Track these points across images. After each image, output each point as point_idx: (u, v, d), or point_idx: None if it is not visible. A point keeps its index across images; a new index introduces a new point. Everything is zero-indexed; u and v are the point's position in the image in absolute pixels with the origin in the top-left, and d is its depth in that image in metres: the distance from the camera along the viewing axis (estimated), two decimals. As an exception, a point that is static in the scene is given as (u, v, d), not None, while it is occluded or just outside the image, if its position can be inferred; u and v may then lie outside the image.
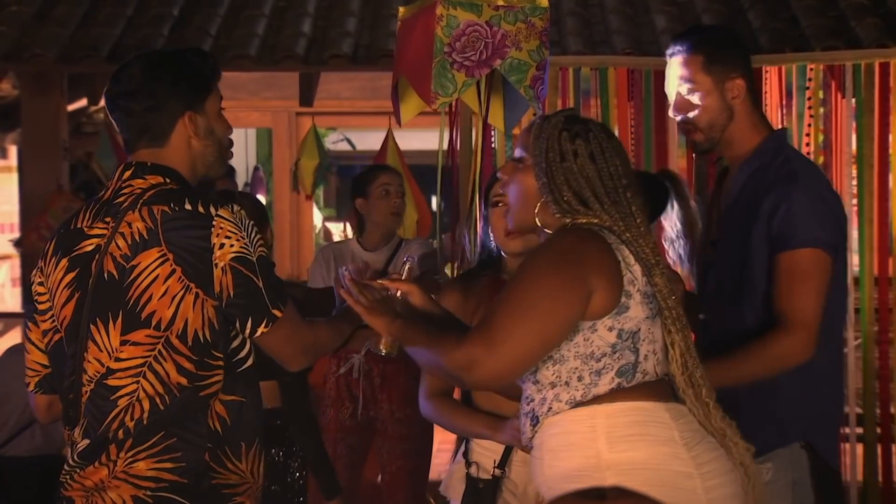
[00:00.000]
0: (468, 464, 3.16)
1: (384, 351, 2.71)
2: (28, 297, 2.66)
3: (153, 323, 2.43)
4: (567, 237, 2.47)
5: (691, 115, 3.04)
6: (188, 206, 2.47)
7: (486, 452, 3.14)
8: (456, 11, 3.57)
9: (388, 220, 4.90)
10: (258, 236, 2.53)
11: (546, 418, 2.47)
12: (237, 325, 2.50)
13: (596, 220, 2.49)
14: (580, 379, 2.44)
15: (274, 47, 6.76)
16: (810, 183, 2.95)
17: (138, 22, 6.98)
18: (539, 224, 2.55)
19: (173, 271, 2.43)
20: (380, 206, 4.86)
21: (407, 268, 2.80)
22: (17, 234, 8.12)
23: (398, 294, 2.68)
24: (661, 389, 2.49)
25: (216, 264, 2.44)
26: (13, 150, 11.18)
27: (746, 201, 2.97)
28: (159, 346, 2.43)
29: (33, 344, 2.65)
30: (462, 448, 3.24)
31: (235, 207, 2.52)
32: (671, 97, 3.10)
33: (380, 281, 2.70)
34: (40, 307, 2.60)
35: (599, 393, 2.44)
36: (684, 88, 3.04)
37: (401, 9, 3.93)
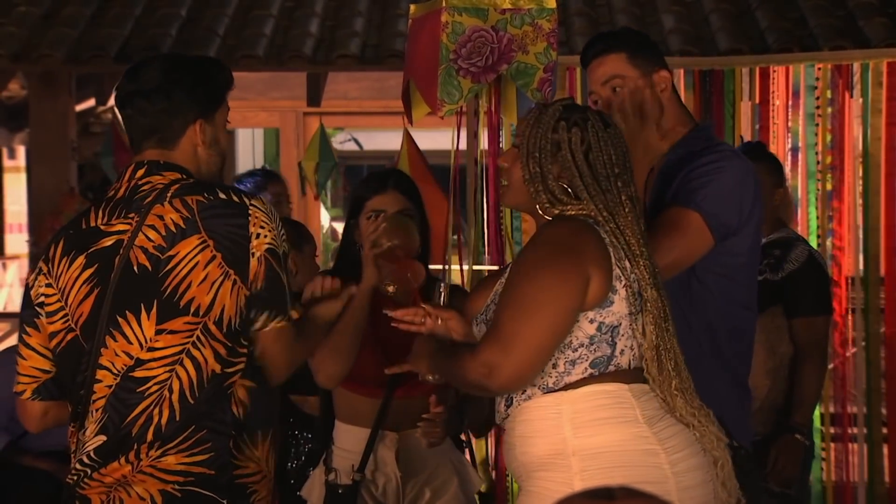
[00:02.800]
0: (328, 470, 3.16)
1: (430, 378, 2.68)
2: (27, 301, 2.60)
3: (192, 309, 2.45)
4: (561, 228, 2.49)
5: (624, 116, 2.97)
6: (222, 196, 2.51)
7: (347, 455, 3.14)
8: (461, 18, 3.57)
9: None
10: (283, 231, 2.56)
11: (519, 402, 2.50)
12: (252, 314, 2.51)
13: (584, 212, 2.51)
14: (554, 366, 2.46)
15: (282, 47, 6.78)
16: (727, 160, 2.92)
17: (146, 22, 6.99)
18: (539, 211, 2.56)
19: (213, 257, 2.46)
20: None
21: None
22: (25, 234, 8.14)
23: (439, 321, 2.68)
24: (627, 375, 2.51)
25: (253, 253, 2.48)
26: (21, 151, 11.21)
27: (665, 190, 2.94)
28: (197, 332, 2.46)
29: (32, 349, 2.60)
30: (324, 454, 3.24)
31: (265, 199, 2.57)
32: (599, 99, 3.02)
33: (423, 306, 2.68)
34: (47, 309, 2.56)
35: (570, 381, 2.47)
36: (612, 84, 2.99)
37: (412, 6, 3.92)
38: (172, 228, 2.48)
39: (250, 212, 2.50)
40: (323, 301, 2.79)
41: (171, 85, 2.56)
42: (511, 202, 2.66)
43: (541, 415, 2.48)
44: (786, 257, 3.93)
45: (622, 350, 2.49)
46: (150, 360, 2.46)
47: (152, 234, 2.48)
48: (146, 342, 2.46)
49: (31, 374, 2.61)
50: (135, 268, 2.48)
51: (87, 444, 2.50)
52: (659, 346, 2.52)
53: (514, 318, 2.39)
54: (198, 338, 2.46)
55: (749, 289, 3.03)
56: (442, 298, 2.77)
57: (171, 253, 2.46)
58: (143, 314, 2.46)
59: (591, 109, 2.65)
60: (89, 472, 2.49)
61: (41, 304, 2.57)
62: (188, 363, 2.45)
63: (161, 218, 2.49)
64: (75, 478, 2.51)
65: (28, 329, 2.60)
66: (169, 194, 2.51)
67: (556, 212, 2.52)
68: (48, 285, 2.57)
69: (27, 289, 2.61)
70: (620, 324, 2.48)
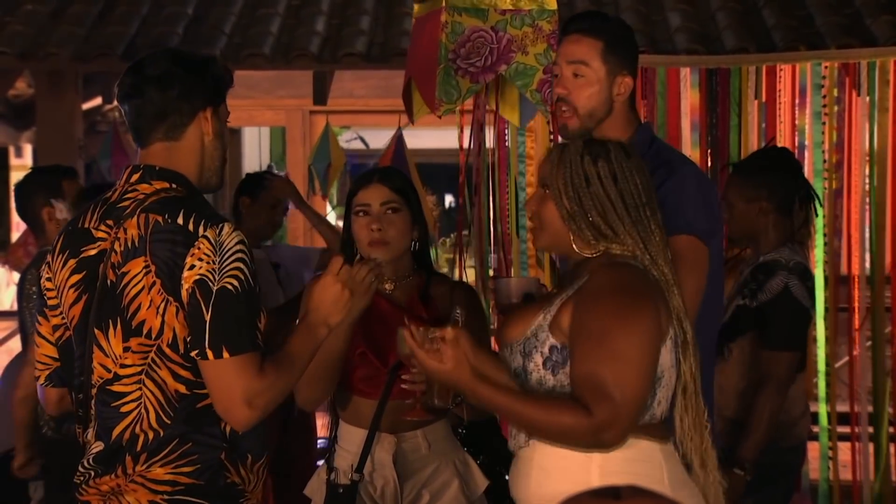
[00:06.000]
0: (329, 469, 3.17)
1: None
2: (38, 291, 2.64)
3: (144, 331, 2.42)
4: (624, 273, 2.47)
5: (574, 97, 2.98)
6: (180, 221, 2.43)
7: (347, 455, 3.14)
8: (461, 18, 3.56)
9: (264, 229, 5.01)
10: (234, 265, 2.40)
11: None
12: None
13: (629, 252, 2.50)
14: None
15: (288, 46, 6.78)
16: (684, 170, 2.95)
17: (153, 21, 7.00)
18: (576, 251, 2.55)
19: (154, 283, 2.41)
20: (263, 213, 4.95)
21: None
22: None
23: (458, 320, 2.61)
24: (659, 430, 2.52)
25: (182, 284, 2.40)
26: (28, 149, 11.23)
27: None
28: (152, 355, 2.43)
29: (43, 338, 2.64)
30: (327, 453, 3.24)
31: (226, 229, 2.43)
32: (559, 73, 3.02)
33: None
34: (50, 303, 2.60)
35: None
36: (576, 68, 2.98)
37: (416, 6, 3.91)
38: (129, 245, 2.44)
39: (196, 243, 2.40)
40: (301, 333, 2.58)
41: (182, 70, 2.54)
42: (546, 243, 2.63)
43: (568, 453, 2.46)
44: (762, 286, 3.81)
45: (660, 401, 2.50)
46: (123, 377, 2.45)
47: (118, 248, 2.46)
48: (117, 358, 2.46)
49: (43, 362, 2.66)
50: (107, 282, 2.47)
51: (91, 448, 2.52)
52: (694, 381, 2.54)
53: (619, 373, 2.36)
54: (153, 360, 2.43)
55: (713, 302, 3.01)
56: (459, 322, 2.68)
57: (124, 270, 2.44)
58: (111, 330, 2.45)
59: (612, 141, 2.63)
60: (91, 475, 2.51)
61: (47, 297, 2.61)
62: (150, 383, 2.44)
63: (126, 232, 2.46)
64: (81, 478, 2.53)
65: (39, 318, 2.65)
66: (141, 208, 2.47)
67: (602, 248, 2.52)
68: (49, 279, 2.59)
69: (38, 278, 2.64)
70: (664, 375, 2.49)
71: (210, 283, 2.38)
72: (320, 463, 3.37)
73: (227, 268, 2.40)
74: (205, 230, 2.42)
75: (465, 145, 4.42)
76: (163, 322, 2.41)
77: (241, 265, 2.42)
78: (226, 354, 2.39)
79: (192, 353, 2.40)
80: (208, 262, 2.39)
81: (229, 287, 2.39)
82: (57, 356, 2.63)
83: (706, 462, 2.57)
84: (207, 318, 2.38)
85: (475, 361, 2.49)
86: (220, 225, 2.43)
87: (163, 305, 2.41)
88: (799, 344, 3.86)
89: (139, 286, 2.42)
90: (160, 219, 2.44)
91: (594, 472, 2.44)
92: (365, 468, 3.10)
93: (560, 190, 2.54)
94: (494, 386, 2.45)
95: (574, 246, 2.55)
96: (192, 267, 2.39)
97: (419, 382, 2.93)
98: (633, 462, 2.45)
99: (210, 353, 2.38)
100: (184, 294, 2.40)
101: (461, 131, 4.39)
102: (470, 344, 2.51)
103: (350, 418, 3.19)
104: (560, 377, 2.46)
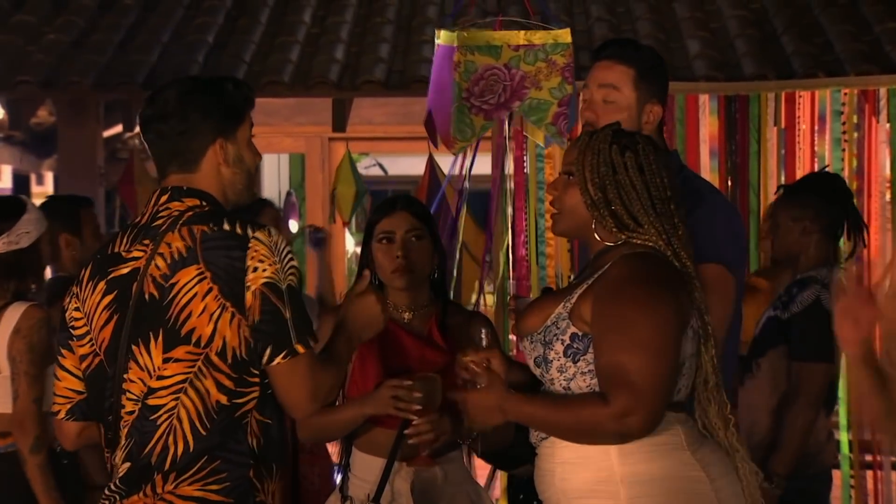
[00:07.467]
0: (343, 498, 3.15)
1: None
2: (62, 324, 2.65)
3: (193, 339, 2.45)
4: (645, 262, 2.48)
5: (602, 123, 2.91)
6: (226, 227, 2.49)
7: (362, 484, 3.12)
8: (474, 56, 3.57)
9: None
10: (291, 264, 2.50)
11: None
12: (258, 348, 2.48)
13: (650, 242, 2.50)
14: None
15: (307, 73, 6.82)
16: (713, 200, 2.95)
17: (174, 49, 7.05)
18: (598, 238, 2.56)
19: (210, 289, 2.45)
20: None
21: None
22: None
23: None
24: (674, 405, 2.51)
25: (248, 286, 2.45)
26: (49, 177, 11.29)
27: None
28: (199, 364, 2.45)
29: (66, 370, 2.64)
30: (339, 481, 3.22)
31: (273, 231, 2.51)
32: (589, 98, 3.03)
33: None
34: (76, 332, 2.60)
35: None
36: (606, 93, 2.99)
37: (441, 32, 3.90)
38: (176, 256, 2.48)
39: (250, 245, 2.46)
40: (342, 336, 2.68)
41: (187, 107, 2.56)
42: (565, 228, 2.65)
43: None
44: (795, 298, 3.80)
45: (679, 388, 2.50)
46: (159, 389, 2.47)
47: (160, 263, 2.49)
48: (155, 370, 2.47)
49: (65, 395, 2.66)
50: (146, 296, 2.49)
51: (118, 470, 2.53)
52: (714, 373, 2.55)
53: (640, 359, 2.37)
54: (199, 369, 2.45)
55: (731, 331, 2.98)
56: (485, 343, 2.74)
57: (173, 281, 2.47)
58: (152, 342, 2.47)
59: (640, 134, 2.65)
60: (116, 497, 2.51)
61: (73, 327, 2.61)
62: (192, 393, 2.45)
63: (169, 246, 2.49)
64: (106, 502, 2.53)
65: (63, 351, 2.65)
66: (181, 222, 2.51)
67: (623, 237, 2.52)
68: (77, 308, 2.60)
69: (63, 311, 2.65)
70: (685, 363, 2.49)
71: (279, 283, 2.46)
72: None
73: (287, 266, 2.49)
74: (253, 232, 2.49)
75: (469, 172, 4.42)
76: (214, 330, 2.44)
77: (294, 263, 2.52)
78: (312, 343, 2.49)
79: (279, 359, 2.44)
80: (271, 264, 2.46)
81: (293, 284, 2.49)
82: (82, 389, 2.63)
83: (738, 450, 2.56)
84: (288, 315, 2.46)
85: (508, 375, 2.55)
86: (266, 228, 2.52)
87: (218, 311, 2.44)
88: (829, 356, 3.82)
89: (191, 293, 2.45)
90: (206, 228, 2.49)
91: (614, 455, 2.45)
92: (382, 497, 3.09)
93: (586, 177, 2.54)
94: (521, 399, 2.49)
95: (596, 234, 2.56)
96: (256, 269, 2.45)
97: (425, 433, 2.94)
98: (651, 434, 2.44)
99: (300, 348, 2.46)
100: (249, 297, 2.44)
101: (462, 157, 4.39)
102: (503, 363, 2.60)
103: (365, 447, 3.17)
104: (580, 364, 2.47)
